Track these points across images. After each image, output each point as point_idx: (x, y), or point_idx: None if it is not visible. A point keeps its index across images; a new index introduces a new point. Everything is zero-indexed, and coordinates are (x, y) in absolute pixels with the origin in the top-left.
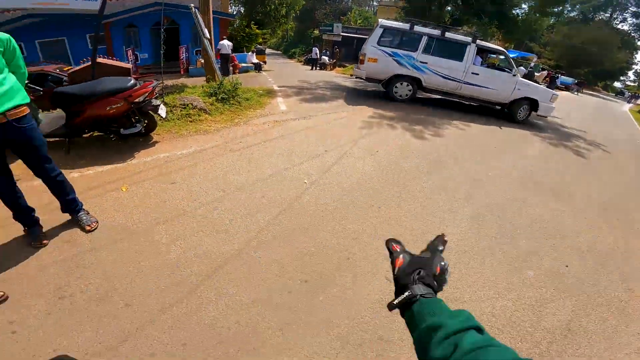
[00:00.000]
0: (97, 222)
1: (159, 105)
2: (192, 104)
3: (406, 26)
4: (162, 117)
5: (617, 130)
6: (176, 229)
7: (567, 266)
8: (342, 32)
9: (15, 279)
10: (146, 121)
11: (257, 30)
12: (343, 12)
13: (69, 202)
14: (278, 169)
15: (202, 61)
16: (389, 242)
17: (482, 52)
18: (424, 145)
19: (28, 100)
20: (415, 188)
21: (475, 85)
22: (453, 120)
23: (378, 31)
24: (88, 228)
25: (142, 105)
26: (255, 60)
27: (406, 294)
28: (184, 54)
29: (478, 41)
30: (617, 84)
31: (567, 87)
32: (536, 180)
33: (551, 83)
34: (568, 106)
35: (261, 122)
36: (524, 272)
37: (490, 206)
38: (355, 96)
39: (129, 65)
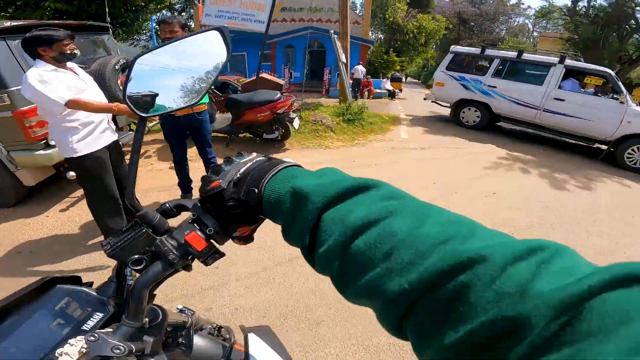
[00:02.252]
0: None
1: (294, 118)
2: (321, 121)
3: (477, 50)
4: (295, 128)
5: None
6: None
7: None
8: None
9: None
10: (283, 130)
11: (395, 58)
12: (493, 42)
13: None
14: None
15: None
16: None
17: (576, 74)
18: (562, 198)
19: (207, 101)
20: None
21: (559, 113)
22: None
23: (449, 56)
24: None
25: (282, 116)
26: (389, 87)
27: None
28: (327, 76)
29: (568, 61)
30: None
31: None
32: None
33: None
34: None
35: (378, 146)
36: None
37: None
38: (491, 133)
39: (282, 82)
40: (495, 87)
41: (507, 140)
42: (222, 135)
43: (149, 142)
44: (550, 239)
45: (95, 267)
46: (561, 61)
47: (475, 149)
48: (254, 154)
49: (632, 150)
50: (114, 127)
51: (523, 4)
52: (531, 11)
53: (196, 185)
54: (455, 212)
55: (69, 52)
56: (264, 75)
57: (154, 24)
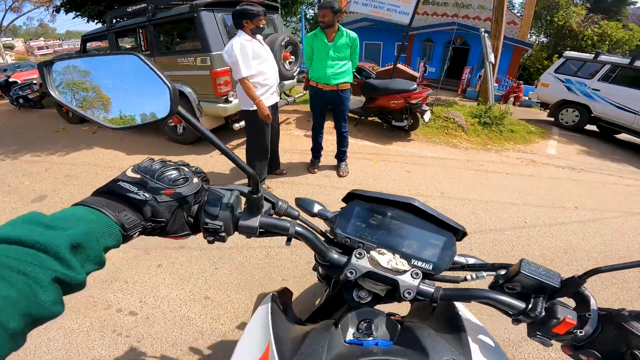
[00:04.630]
0: (349, 173)
1: (427, 111)
2: (453, 118)
3: (589, 56)
4: (425, 121)
5: None
6: None
7: None
8: None
9: (284, 181)
10: (412, 120)
11: None
12: None
13: (341, 153)
14: (502, 199)
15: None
16: None
17: None
18: None
19: (351, 80)
20: None
21: None
22: None
23: (560, 61)
24: (341, 174)
25: (414, 106)
26: None
27: None
28: (466, 75)
29: None
30: None
31: None
32: None
33: None
34: None
35: (514, 156)
36: None
37: None
38: None
39: (417, 74)
40: (598, 90)
41: None
42: (352, 115)
43: (290, 111)
44: None
45: None
46: None
47: None
48: None
49: None
50: (278, 91)
51: None
52: None
53: (325, 152)
54: (599, 242)
55: (262, 26)
56: (400, 66)
57: (304, 8)
